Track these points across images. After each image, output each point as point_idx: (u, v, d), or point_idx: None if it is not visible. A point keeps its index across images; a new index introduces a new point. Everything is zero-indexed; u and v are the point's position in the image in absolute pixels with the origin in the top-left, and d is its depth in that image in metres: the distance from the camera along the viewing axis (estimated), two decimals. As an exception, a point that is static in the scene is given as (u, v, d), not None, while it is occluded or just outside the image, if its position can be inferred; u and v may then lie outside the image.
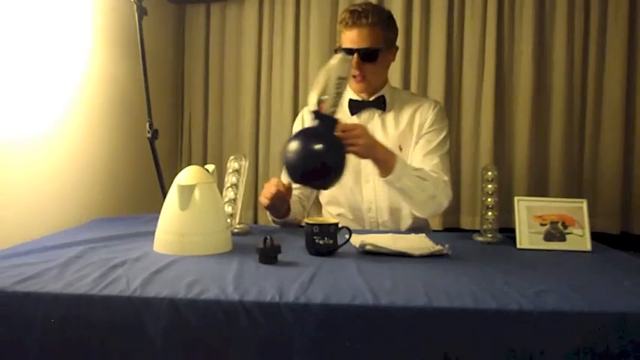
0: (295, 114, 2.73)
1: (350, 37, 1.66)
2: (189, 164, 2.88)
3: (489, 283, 1.07)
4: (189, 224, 1.27)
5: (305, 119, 1.82)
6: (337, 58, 1.34)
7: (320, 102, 1.31)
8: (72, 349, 0.95)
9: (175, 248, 1.26)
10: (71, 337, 0.95)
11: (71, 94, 1.87)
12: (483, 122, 2.67)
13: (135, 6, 1.91)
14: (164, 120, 2.70)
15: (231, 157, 1.57)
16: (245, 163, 1.56)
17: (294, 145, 1.31)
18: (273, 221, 1.78)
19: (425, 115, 1.73)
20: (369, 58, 1.67)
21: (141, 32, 1.94)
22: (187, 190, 1.27)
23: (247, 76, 2.82)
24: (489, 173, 1.53)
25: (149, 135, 2.01)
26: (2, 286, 0.98)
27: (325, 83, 1.30)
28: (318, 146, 1.31)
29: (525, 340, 0.92)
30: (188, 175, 1.31)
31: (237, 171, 1.55)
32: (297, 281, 1.04)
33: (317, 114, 1.32)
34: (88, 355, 0.95)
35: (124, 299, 0.96)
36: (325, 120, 1.32)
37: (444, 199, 1.63)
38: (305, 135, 1.35)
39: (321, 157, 1.32)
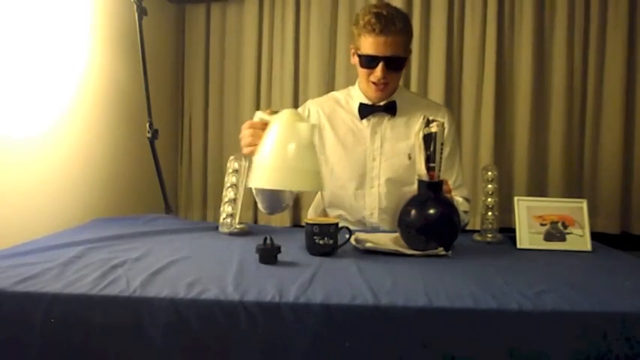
0: (295, 114, 2.73)
1: (376, 44, 1.59)
2: (189, 164, 2.91)
3: (489, 283, 1.07)
4: (304, 160, 1.28)
5: (311, 114, 1.77)
6: (435, 125, 1.33)
7: (432, 169, 1.33)
8: (72, 349, 0.95)
9: (279, 182, 1.29)
10: (71, 337, 0.95)
11: (71, 93, 1.87)
12: (483, 122, 2.67)
13: (135, 6, 1.91)
14: (164, 120, 2.70)
15: (231, 157, 1.57)
16: (245, 164, 1.56)
17: (420, 218, 1.32)
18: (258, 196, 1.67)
19: None
20: (396, 66, 1.62)
21: (141, 32, 1.94)
22: (312, 130, 1.30)
23: (247, 76, 2.82)
24: (489, 173, 1.53)
25: (149, 135, 2.01)
26: (2, 286, 0.98)
27: (430, 151, 1.33)
28: (453, 216, 1.34)
29: (525, 340, 0.92)
30: (292, 115, 1.32)
31: (237, 171, 1.55)
32: (297, 281, 1.04)
33: (431, 183, 1.33)
34: (88, 355, 0.95)
35: (123, 299, 0.96)
36: (438, 186, 1.34)
37: (469, 217, 1.77)
38: (430, 206, 1.33)
39: (456, 224, 1.34)
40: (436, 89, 2.67)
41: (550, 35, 2.66)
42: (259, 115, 1.40)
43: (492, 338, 0.93)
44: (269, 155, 1.28)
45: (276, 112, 1.38)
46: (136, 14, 1.92)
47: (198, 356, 0.94)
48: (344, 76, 2.73)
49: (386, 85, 1.66)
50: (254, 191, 1.65)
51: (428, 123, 1.34)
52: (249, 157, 1.42)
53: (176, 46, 2.87)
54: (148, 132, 2.01)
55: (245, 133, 1.43)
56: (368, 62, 1.62)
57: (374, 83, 1.65)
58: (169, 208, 2.17)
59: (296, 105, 2.76)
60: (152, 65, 2.11)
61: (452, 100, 2.69)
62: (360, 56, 1.64)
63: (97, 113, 2.04)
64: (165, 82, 2.77)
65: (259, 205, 1.73)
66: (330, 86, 2.73)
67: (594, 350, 0.91)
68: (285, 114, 1.32)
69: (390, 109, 1.72)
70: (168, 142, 2.75)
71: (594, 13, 2.61)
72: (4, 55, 1.53)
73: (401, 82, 1.80)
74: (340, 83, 2.69)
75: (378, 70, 1.61)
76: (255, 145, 1.36)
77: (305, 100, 2.68)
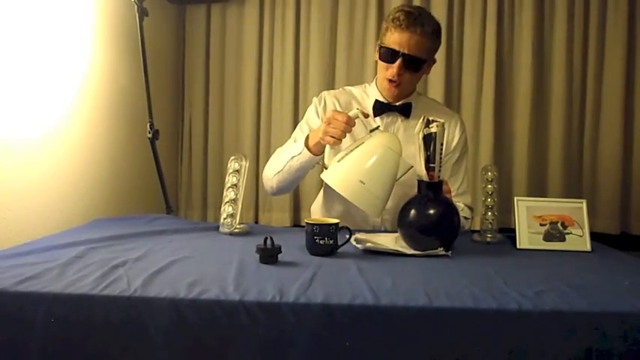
0: (296, 114, 2.73)
1: (399, 40, 1.59)
2: (190, 164, 2.91)
3: (489, 283, 1.07)
4: (387, 191, 1.40)
5: (327, 105, 1.77)
6: (435, 126, 1.34)
7: (432, 170, 1.34)
8: (72, 349, 0.95)
9: (349, 193, 1.36)
10: (72, 337, 0.95)
11: (73, 94, 1.87)
12: (483, 122, 2.68)
13: (136, 7, 1.92)
14: (165, 120, 2.70)
15: (232, 158, 1.57)
16: (245, 164, 1.56)
17: (420, 218, 1.33)
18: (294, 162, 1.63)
19: (451, 133, 1.74)
20: (412, 66, 1.62)
21: (142, 33, 1.95)
22: (403, 164, 1.40)
23: (248, 76, 2.82)
24: (489, 174, 1.53)
25: (150, 135, 2.02)
26: (3, 286, 0.99)
27: (430, 152, 1.34)
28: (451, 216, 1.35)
29: (525, 340, 0.92)
30: (396, 143, 1.41)
31: (237, 171, 1.56)
32: (297, 281, 1.04)
33: (430, 184, 1.34)
34: (89, 355, 0.95)
35: (124, 299, 0.96)
36: (438, 187, 1.34)
37: (470, 224, 1.78)
38: (430, 206, 1.34)
39: (456, 224, 1.35)
40: (436, 89, 2.67)
41: (550, 36, 2.66)
42: (358, 115, 1.46)
43: (492, 338, 0.93)
44: (364, 172, 1.37)
45: (367, 115, 1.50)
46: (137, 15, 1.93)
47: (198, 356, 0.95)
48: (344, 76, 2.73)
49: (399, 84, 1.65)
50: (278, 167, 1.67)
51: (428, 123, 1.35)
52: (328, 145, 1.48)
53: (177, 47, 2.88)
54: (149, 132, 2.01)
55: (337, 125, 1.45)
56: (386, 55, 1.62)
57: (389, 80, 1.65)
58: (170, 208, 2.18)
59: (296, 104, 2.77)
60: (153, 66, 2.11)
61: (452, 100, 2.70)
62: (380, 47, 1.64)
63: (98, 114, 2.04)
64: (166, 83, 2.77)
65: (267, 185, 1.73)
66: (330, 86, 2.73)
67: (594, 350, 0.92)
68: (395, 142, 1.42)
69: (405, 111, 1.72)
70: (168, 143, 2.76)
71: (594, 14, 2.62)
72: (6, 57, 1.53)
73: (418, 87, 1.80)
74: (340, 83, 2.70)
75: (395, 65, 1.60)
76: (340, 140, 1.45)
77: (305, 100, 2.70)
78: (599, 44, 2.62)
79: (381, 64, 1.66)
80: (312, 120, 1.77)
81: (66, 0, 1.82)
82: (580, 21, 2.63)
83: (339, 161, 1.41)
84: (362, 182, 1.36)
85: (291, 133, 1.86)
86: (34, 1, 1.65)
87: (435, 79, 2.68)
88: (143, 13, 1.93)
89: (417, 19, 1.58)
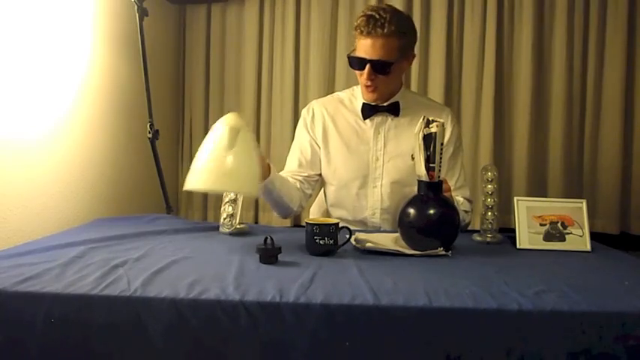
0: (296, 114, 2.73)
1: (363, 47, 1.59)
2: (190, 164, 2.90)
3: (489, 283, 1.07)
4: (233, 163, 1.31)
5: (315, 114, 1.78)
6: (435, 126, 1.33)
7: (432, 169, 1.33)
8: (72, 349, 0.95)
9: (213, 183, 1.31)
10: (72, 337, 0.95)
11: (73, 94, 1.87)
12: (483, 122, 2.68)
13: (136, 7, 1.92)
14: (165, 120, 2.70)
15: (232, 158, 1.57)
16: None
17: (420, 218, 1.32)
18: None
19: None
20: (381, 70, 1.60)
21: (142, 33, 1.95)
22: (230, 133, 1.36)
23: (248, 76, 2.82)
24: (489, 173, 1.53)
25: (150, 135, 2.02)
26: (3, 285, 0.99)
27: (430, 152, 1.33)
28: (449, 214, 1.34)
29: (525, 340, 0.92)
30: (234, 119, 1.39)
31: (237, 171, 1.55)
32: (297, 281, 1.04)
33: (430, 184, 1.33)
34: (89, 355, 0.95)
35: (124, 299, 0.96)
36: (438, 186, 1.34)
37: (470, 217, 1.76)
38: (430, 206, 1.34)
39: (456, 224, 1.34)
40: (436, 89, 2.67)
41: (550, 36, 2.66)
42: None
43: (492, 338, 0.93)
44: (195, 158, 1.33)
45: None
46: (137, 15, 1.93)
47: (198, 356, 0.95)
48: (344, 76, 2.73)
49: (375, 89, 1.65)
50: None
51: (428, 123, 1.35)
52: None
53: (177, 47, 2.88)
54: (149, 132, 2.01)
55: None
56: (354, 64, 1.63)
57: (365, 86, 1.65)
58: (170, 208, 2.18)
59: (296, 104, 2.77)
60: (153, 66, 2.11)
61: (452, 100, 2.70)
62: (348, 57, 1.65)
63: (98, 114, 2.04)
64: (166, 83, 2.77)
65: (275, 213, 1.76)
66: (330, 86, 2.74)
67: (593, 350, 0.92)
68: (231, 117, 1.42)
69: (393, 110, 1.72)
70: (168, 143, 2.76)
71: (594, 14, 2.62)
72: (6, 58, 1.54)
73: (417, 88, 1.79)
74: (340, 83, 2.70)
75: (365, 72, 1.61)
76: None
77: (305, 100, 2.70)
78: (599, 44, 2.62)
79: (354, 71, 1.66)
80: (302, 136, 1.79)
81: (66, 0, 1.82)
82: (580, 21, 2.63)
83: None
84: (198, 170, 1.31)
85: (292, 133, 1.87)
86: (34, 2, 1.65)
87: (435, 78, 2.68)
88: (143, 13, 1.93)
89: (377, 22, 1.55)
